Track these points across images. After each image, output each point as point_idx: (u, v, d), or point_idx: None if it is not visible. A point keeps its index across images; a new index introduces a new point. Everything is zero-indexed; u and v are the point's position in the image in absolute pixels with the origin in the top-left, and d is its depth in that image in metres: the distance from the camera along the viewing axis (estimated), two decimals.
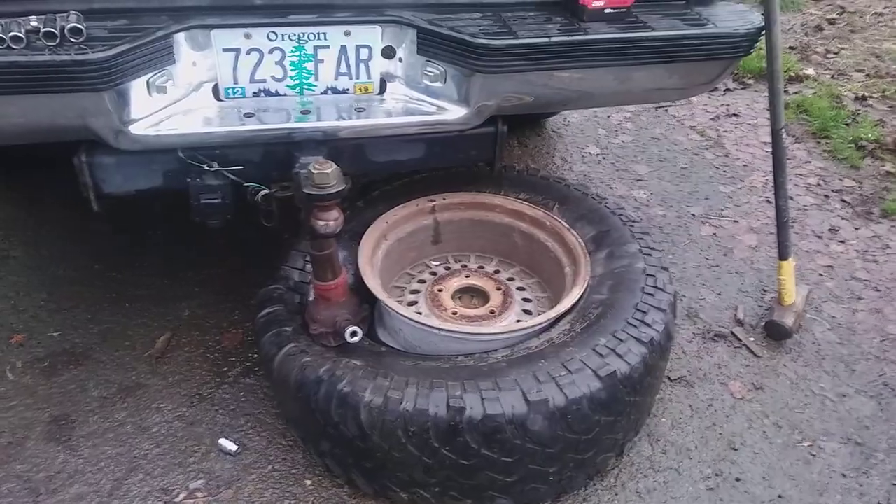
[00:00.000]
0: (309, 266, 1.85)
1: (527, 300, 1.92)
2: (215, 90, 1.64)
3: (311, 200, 1.32)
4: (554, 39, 1.58)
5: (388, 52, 1.68)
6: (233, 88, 1.65)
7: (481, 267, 2.06)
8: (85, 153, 1.58)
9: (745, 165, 3.13)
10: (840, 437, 1.85)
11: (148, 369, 1.99)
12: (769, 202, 2.86)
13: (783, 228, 2.06)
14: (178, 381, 1.95)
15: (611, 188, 2.90)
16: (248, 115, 1.63)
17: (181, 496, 1.65)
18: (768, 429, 1.86)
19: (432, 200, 2.03)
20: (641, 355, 1.53)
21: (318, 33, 1.62)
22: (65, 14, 1.36)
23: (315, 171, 1.28)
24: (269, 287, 1.80)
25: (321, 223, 1.35)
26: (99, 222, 2.46)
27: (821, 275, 2.45)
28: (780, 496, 1.68)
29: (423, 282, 1.99)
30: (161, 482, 1.68)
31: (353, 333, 1.61)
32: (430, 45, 1.62)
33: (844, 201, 2.88)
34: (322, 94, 1.71)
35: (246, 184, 1.69)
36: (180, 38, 1.52)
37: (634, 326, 1.57)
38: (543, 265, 1.99)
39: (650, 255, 1.80)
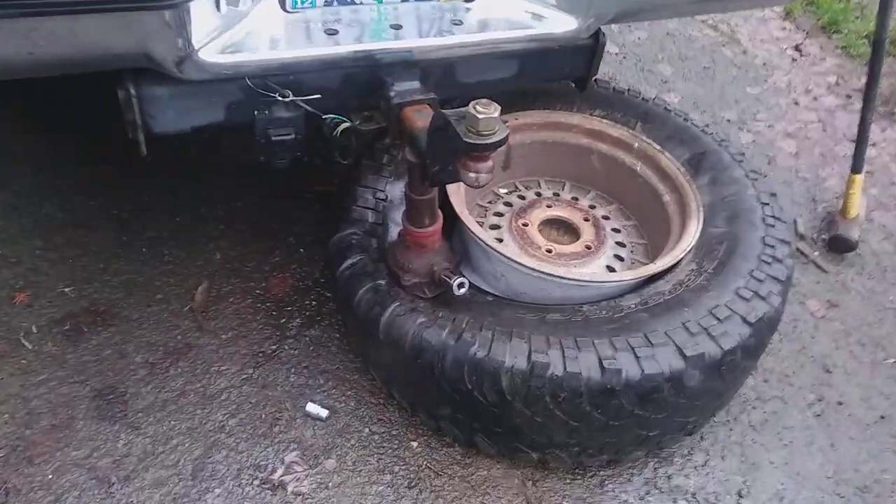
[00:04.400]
0: (383, 204, 1.64)
1: (616, 230, 1.79)
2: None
3: (471, 150, 1.09)
4: None
5: None
6: None
7: (556, 194, 1.89)
8: (132, 84, 1.25)
9: (764, 64, 3.01)
10: None
11: (193, 326, 1.74)
12: (797, 104, 2.79)
13: (863, 142, 1.99)
14: (234, 339, 1.72)
15: (642, 91, 2.72)
16: (331, 31, 1.34)
17: (278, 472, 1.49)
18: (854, 348, 1.86)
19: (504, 121, 1.80)
20: (781, 295, 1.44)
21: None
22: None
23: (480, 115, 1.05)
24: (345, 233, 1.57)
25: (473, 175, 1.14)
26: (81, 149, 2.10)
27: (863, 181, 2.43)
28: (882, 417, 1.71)
29: (499, 214, 1.80)
30: (249, 458, 1.51)
31: (461, 285, 1.44)
32: None
33: None
34: (403, 1, 1.43)
35: (324, 116, 1.42)
36: None
37: (768, 264, 1.47)
38: (628, 191, 1.83)
39: (757, 180, 1.68)
